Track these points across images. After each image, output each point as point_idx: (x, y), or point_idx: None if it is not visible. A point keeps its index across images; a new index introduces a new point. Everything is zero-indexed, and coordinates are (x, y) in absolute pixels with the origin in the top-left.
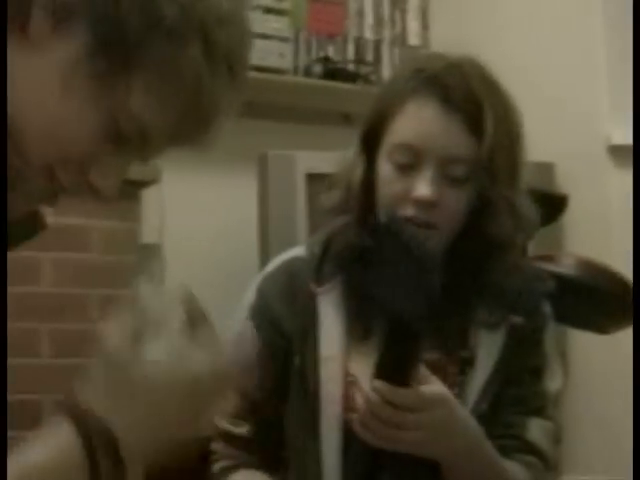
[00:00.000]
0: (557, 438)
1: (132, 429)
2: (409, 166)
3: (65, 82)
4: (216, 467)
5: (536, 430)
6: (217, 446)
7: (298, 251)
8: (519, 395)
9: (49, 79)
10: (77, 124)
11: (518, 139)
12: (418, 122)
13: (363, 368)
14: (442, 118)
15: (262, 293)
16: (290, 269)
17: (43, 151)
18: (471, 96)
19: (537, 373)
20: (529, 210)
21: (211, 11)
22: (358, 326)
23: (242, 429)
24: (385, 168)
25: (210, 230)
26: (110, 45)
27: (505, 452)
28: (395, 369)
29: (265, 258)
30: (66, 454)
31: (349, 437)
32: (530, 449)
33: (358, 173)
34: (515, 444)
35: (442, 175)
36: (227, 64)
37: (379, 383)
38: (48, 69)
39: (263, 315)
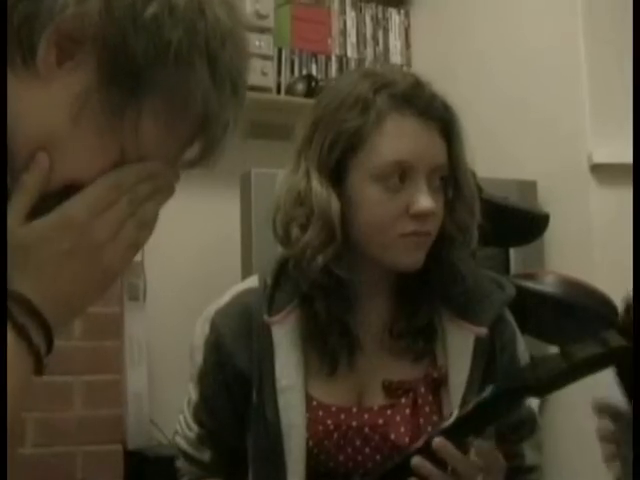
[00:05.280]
0: (541, 444)
1: (49, 295)
2: (399, 182)
3: (74, 114)
4: None
5: (531, 451)
6: (181, 464)
7: (251, 282)
8: (510, 424)
9: (58, 112)
10: (86, 154)
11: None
12: (404, 138)
13: (329, 392)
14: (424, 129)
15: (215, 329)
16: (243, 302)
17: (49, 180)
18: (443, 104)
19: None
20: (478, 203)
21: (214, 31)
22: (320, 352)
23: (204, 455)
24: (373, 190)
25: (192, 248)
26: (119, 75)
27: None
28: (467, 435)
29: (248, 276)
30: None
31: (316, 464)
32: (530, 470)
33: (335, 206)
34: (517, 472)
35: (428, 184)
36: (231, 82)
37: (450, 448)
38: (56, 102)
39: (217, 354)
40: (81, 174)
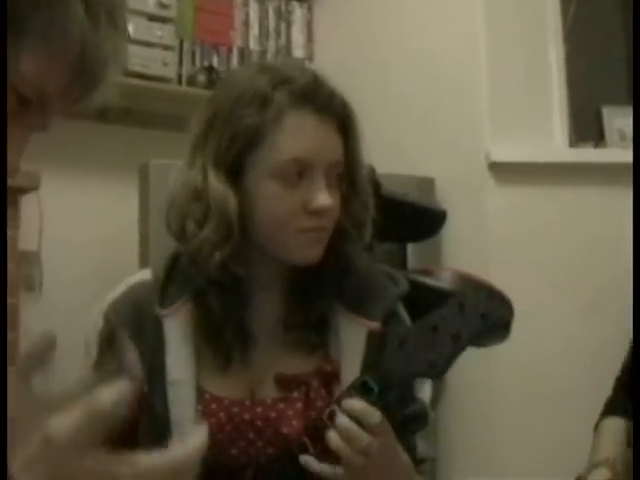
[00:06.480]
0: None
1: None
2: (297, 179)
3: None
4: None
5: (422, 443)
6: None
7: (144, 274)
8: (403, 416)
9: None
10: None
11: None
12: (302, 136)
13: (222, 385)
14: (322, 126)
15: (108, 322)
16: (135, 295)
17: None
18: (341, 101)
19: (410, 389)
20: (372, 199)
21: None
22: (213, 346)
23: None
24: (271, 187)
25: (90, 238)
26: None
27: None
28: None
29: (146, 268)
30: None
31: (208, 457)
32: (420, 462)
33: (232, 203)
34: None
35: (326, 180)
36: (106, 14)
37: (358, 403)
38: None
39: (110, 347)
40: None
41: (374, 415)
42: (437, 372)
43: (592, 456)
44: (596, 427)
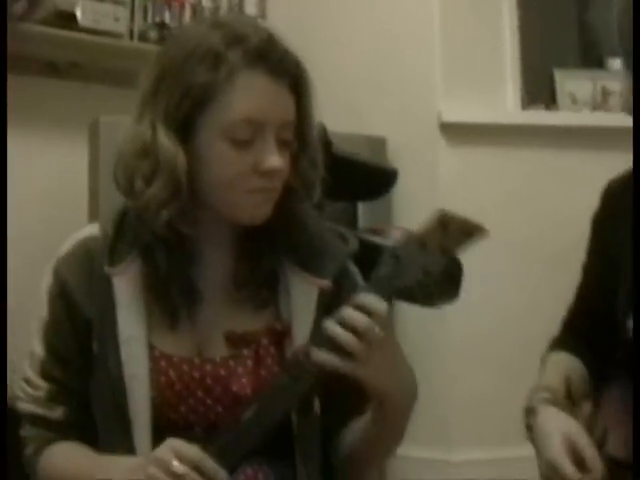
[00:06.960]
0: None
1: None
2: (248, 140)
3: None
4: (28, 450)
5: None
6: (27, 432)
7: (92, 229)
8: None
9: None
10: None
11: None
12: (254, 96)
13: (172, 343)
14: (275, 86)
15: (59, 278)
16: (85, 250)
17: None
18: (295, 60)
19: None
20: (322, 158)
21: None
22: (162, 303)
23: (56, 412)
24: (222, 147)
25: (39, 194)
26: None
27: None
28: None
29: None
30: None
31: (158, 415)
32: None
33: (182, 161)
34: None
35: (277, 140)
36: None
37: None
38: None
39: (62, 302)
40: None
41: (381, 304)
42: (433, 282)
43: (536, 384)
44: (541, 361)
